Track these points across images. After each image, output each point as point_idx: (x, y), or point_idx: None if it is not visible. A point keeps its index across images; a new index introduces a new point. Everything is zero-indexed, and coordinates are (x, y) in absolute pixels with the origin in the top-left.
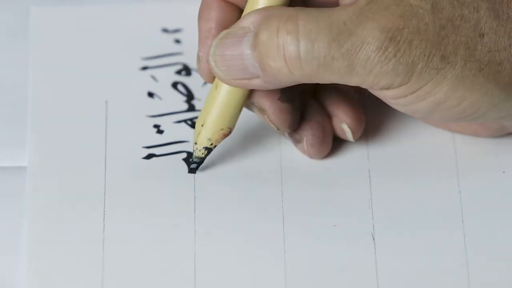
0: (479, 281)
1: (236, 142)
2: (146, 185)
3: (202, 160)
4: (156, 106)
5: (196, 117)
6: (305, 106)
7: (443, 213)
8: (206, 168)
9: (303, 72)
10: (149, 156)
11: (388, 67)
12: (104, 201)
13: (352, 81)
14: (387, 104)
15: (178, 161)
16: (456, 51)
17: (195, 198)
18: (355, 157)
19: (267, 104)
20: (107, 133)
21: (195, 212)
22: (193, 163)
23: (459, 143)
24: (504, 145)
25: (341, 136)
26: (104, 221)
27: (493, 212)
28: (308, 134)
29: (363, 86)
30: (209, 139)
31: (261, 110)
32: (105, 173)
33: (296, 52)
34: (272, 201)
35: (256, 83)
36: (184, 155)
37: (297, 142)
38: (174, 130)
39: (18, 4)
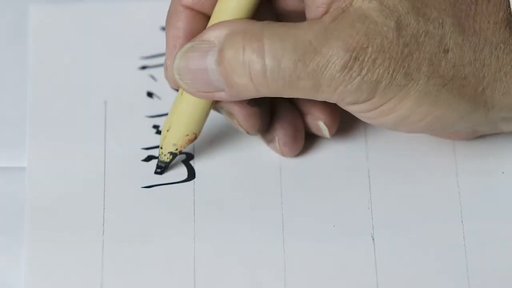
0: (479, 281)
1: (236, 142)
2: (146, 185)
3: (167, 164)
4: (156, 106)
5: None
6: (275, 105)
7: (443, 213)
8: (205, 168)
9: (269, 90)
10: (149, 158)
11: (352, 86)
12: (104, 201)
13: (318, 98)
14: None
15: (177, 162)
16: (420, 68)
17: (194, 197)
18: (354, 157)
19: (236, 109)
20: (106, 133)
21: (194, 212)
22: (158, 167)
23: (459, 143)
24: (503, 145)
25: (317, 133)
26: (103, 221)
27: (493, 212)
28: (280, 133)
29: (330, 101)
30: (174, 144)
31: (230, 115)
32: (104, 173)
33: (262, 70)
34: (271, 201)
35: (220, 95)
36: (183, 156)
37: (269, 141)
38: None
39: (17, 3)
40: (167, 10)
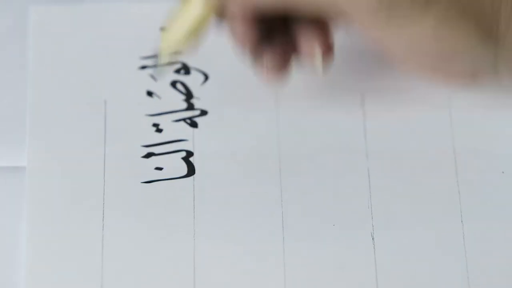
0: (479, 281)
1: (236, 139)
2: (145, 184)
3: (165, 64)
4: (155, 105)
5: (196, 116)
6: (271, 29)
7: (443, 213)
8: (205, 165)
9: None
10: (148, 155)
11: None
12: (104, 200)
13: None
14: (387, 103)
15: (177, 160)
16: None
17: (194, 194)
18: (354, 156)
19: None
20: (106, 132)
21: (194, 209)
22: (155, 66)
23: (458, 143)
24: (503, 145)
25: (310, 63)
26: (103, 220)
27: (493, 212)
28: (268, 56)
29: (345, 8)
30: (172, 45)
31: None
32: (104, 172)
33: None
34: (271, 200)
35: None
36: (184, 153)
37: (256, 63)
38: (173, 129)
39: (17, 3)
40: (166, 11)
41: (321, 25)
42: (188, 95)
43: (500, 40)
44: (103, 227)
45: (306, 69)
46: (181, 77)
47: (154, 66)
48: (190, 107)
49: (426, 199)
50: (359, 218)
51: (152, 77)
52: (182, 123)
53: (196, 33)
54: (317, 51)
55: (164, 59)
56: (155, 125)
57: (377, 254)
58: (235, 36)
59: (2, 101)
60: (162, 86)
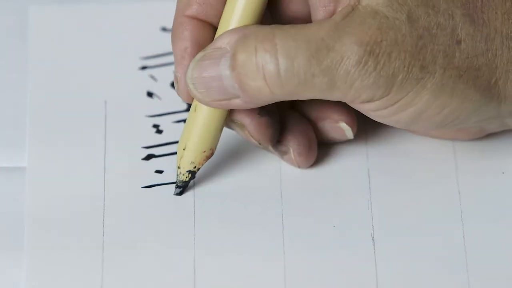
0: (479, 281)
1: (236, 142)
2: (146, 184)
3: (186, 183)
4: (155, 105)
5: None
6: (286, 117)
7: (443, 213)
8: (205, 168)
9: (284, 90)
10: (149, 157)
11: (369, 80)
12: (104, 201)
13: (334, 96)
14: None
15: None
16: (435, 60)
17: (194, 197)
18: (354, 157)
19: (247, 120)
20: (106, 133)
21: (194, 212)
22: (178, 187)
23: (459, 143)
24: (503, 146)
25: (336, 137)
26: (103, 221)
27: (493, 212)
28: (293, 144)
29: (344, 101)
30: (192, 162)
31: (242, 127)
32: (104, 173)
33: (276, 70)
34: (271, 202)
35: (236, 103)
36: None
37: (283, 154)
38: (174, 130)
39: (17, 3)
40: (167, 11)
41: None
42: None
43: (501, 95)
44: (103, 227)
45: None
46: None
47: (177, 187)
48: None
49: (426, 200)
50: (359, 219)
51: (152, 77)
52: (183, 124)
53: (213, 139)
54: (346, 127)
55: (184, 177)
56: (155, 126)
57: (377, 255)
58: (252, 136)
59: (2, 101)
60: (162, 87)
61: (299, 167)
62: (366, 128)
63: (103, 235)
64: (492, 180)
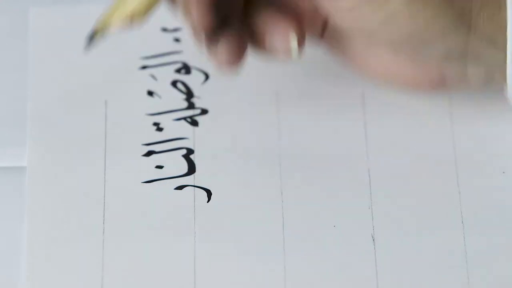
0: (479, 281)
1: (236, 136)
2: (146, 184)
3: (98, 33)
4: (156, 104)
5: (197, 115)
6: (229, 17)
7: (443, 213)
8: (205, 163)
9: None
10: (149, 153)
11: None
12: (104, 200)
13: None
14: (387, 103)
15: (178, 158)
16: None
17: (194, 192)
18: (354, 157)
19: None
20: (107, 132)
21: (194, 208)
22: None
23: (459, 143)
24: (504, 145)
25: (280, 50)
26: (104, 220)
27: (493, 212)
28: (224, 38)
29: None
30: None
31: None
32: (104, 172)
33: None
34: (271, 201)
35: None
36: (184, 151)
37: (211, 46)
38: (174, 128)
39: (17, 5)
40: (166, 11)
41: (289, 11)
42: (189, 94)
43: (472, 26)
44: (103, 226)
45: (267, 56)
46: (182, 77)
47: (91, 37)
48: (191, 106)
49: (427, 200)
50: (360, 219)
51: (153, 76)
52: (183, 122)
53: (144, 11)
54: (292, 36)
55: (104, 31)
56: (156, 124)
57: (378, 255)
58: (190, 20)
59: (2, 101)
60: (162, 86)
61: (221, 68)
62: (366, 128)
63: (103, 235)
64: (493, 180)
